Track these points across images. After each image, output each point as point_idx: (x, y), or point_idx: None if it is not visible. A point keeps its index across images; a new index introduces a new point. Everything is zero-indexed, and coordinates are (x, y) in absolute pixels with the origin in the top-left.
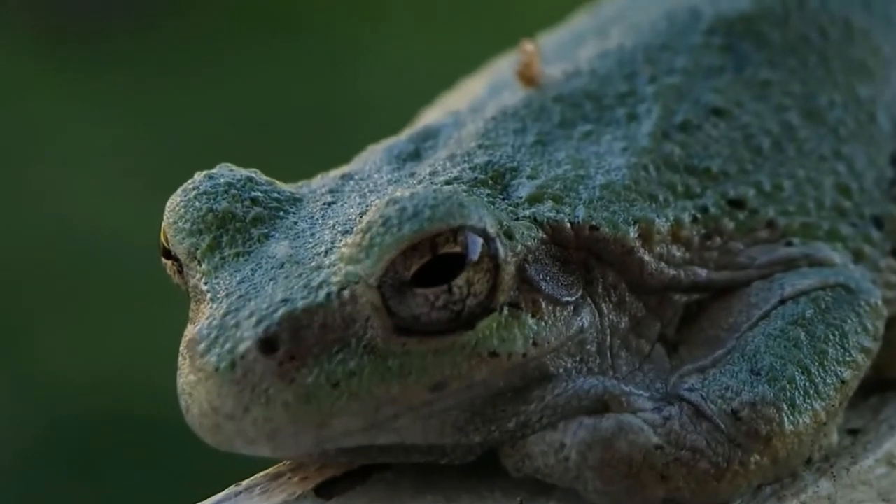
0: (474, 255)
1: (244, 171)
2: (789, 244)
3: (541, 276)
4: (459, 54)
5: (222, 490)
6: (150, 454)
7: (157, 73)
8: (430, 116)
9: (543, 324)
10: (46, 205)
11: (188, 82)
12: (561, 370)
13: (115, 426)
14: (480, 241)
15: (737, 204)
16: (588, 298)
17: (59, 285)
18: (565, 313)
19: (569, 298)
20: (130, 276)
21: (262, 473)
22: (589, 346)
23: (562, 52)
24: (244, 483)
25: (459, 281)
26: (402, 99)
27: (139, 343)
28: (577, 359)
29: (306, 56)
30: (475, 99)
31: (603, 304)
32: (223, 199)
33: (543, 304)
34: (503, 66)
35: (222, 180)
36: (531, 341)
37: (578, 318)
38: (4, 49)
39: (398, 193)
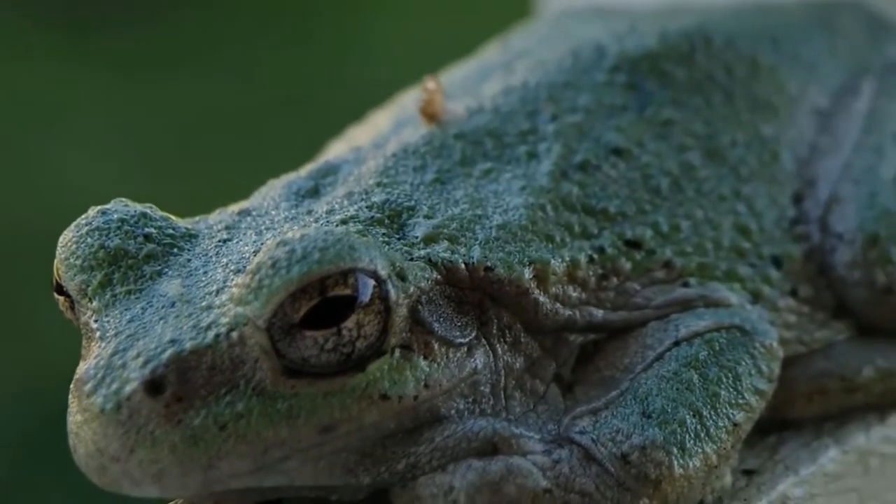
0: (365, 297)
1: (139, 207)
2: (686, 285)
3: (434, 318)
4: (458, 39)
5: None
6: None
7: (154, 63)
8: (335, 150)
9: (436, 365)
10: (44, 190)
11: (185, 71)
12: (453, 412)
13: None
14: (372, 282)
15: (634, 244)
16: (482, 339)
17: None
18: (458, 354)
19: (462, 340)
20: None
21: None
22: (482, 388)
23: (467, 86)
24: None
25: (349, 323)
26: (397, 86)
27: None
28: (470, 400)
29: (303, 44)
30: (378, 134)
31: (497, 345)
32: (116, 235)
33: (436, 346)
34: (408, 101)
35: (115, 216)
36: (423, 383)
37: (472, 360)
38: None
39: (289, 235)
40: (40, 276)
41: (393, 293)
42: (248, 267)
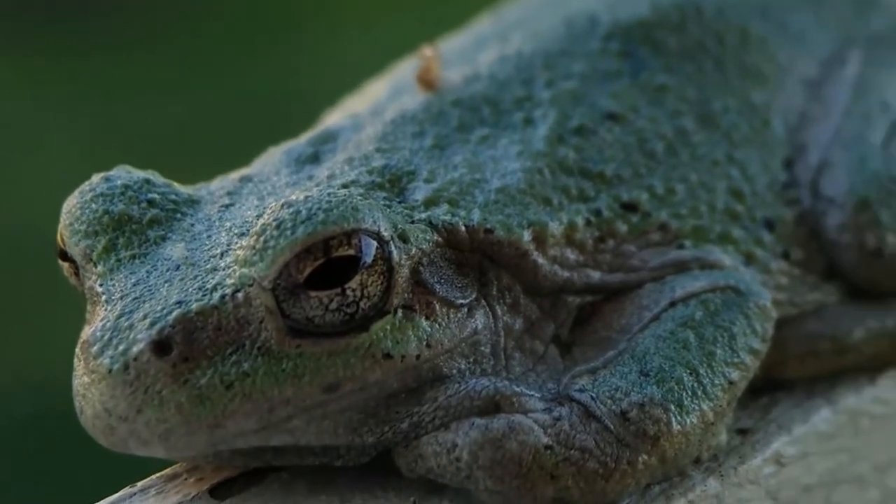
0: (368, 258)
1: (141, 173)
2: (681, 247)
3: (435, 279)
4: (401, 46)
5: (118, 491)
6: (45, 452)
7: (113, 63)
8: (331, 119)
9: (437, 325)
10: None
11: (139, 72)
12: (454, 371)
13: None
14: (374, 244)
15: (630, 207)
16: (482, 301)
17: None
18: (459, 315)
19: (463, 301)
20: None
21: (157, 474)
22: (483, 348)
23: (462, 56)
24: (139, 484)
25: (353, 284)
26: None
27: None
28: (471, 360)
29: (260, 52)
30: (375, 102)
31: (497, 307)
32: (119, 200)
33: (437, 307)
34: (405, 70)
35: (119, 182)
36: (425, 343)
37: (472, 320)
38: None
39: (292, 197)
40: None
41: (396, 254)
42: (252, 229)
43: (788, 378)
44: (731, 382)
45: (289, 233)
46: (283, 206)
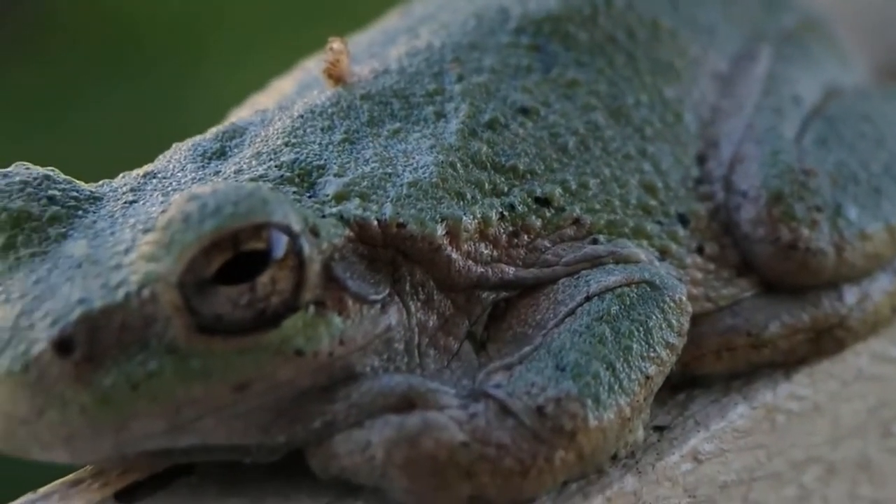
0: (279, 252)
1: (41, 170)
2: (595, 241)
3: (347, 275)
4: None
5: (18, 497)
6: None
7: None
8: (239, 115)
9: (350, 322)
10: None
11: (37, 115)
12: (367, 368)
13: None
14: (285, 238)
15: (543, 202)
16: (396, 297)
17: None
18: (372, 311)
19: (376, 297)
20: None
21: (60, 480)
22: (396, 345)
23: (371, 50)
24: (41, 490)
25: (264, 278)
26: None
27: None
28: (385, 357)
29: (143, 89)
30: (283, 97)
31: (411, 303)
32: (18, 197)
33: (350, 303)
34: (312, 67)
35: (17, 178)
36: (337, 340)
37: (386, 317)
38: None
39: (198, 190)
40: None
41: (307, 248)
42: (157, 224)
43: (705, 374)
44: (647, 377)
45: (196, 226)
46: (189, 198)
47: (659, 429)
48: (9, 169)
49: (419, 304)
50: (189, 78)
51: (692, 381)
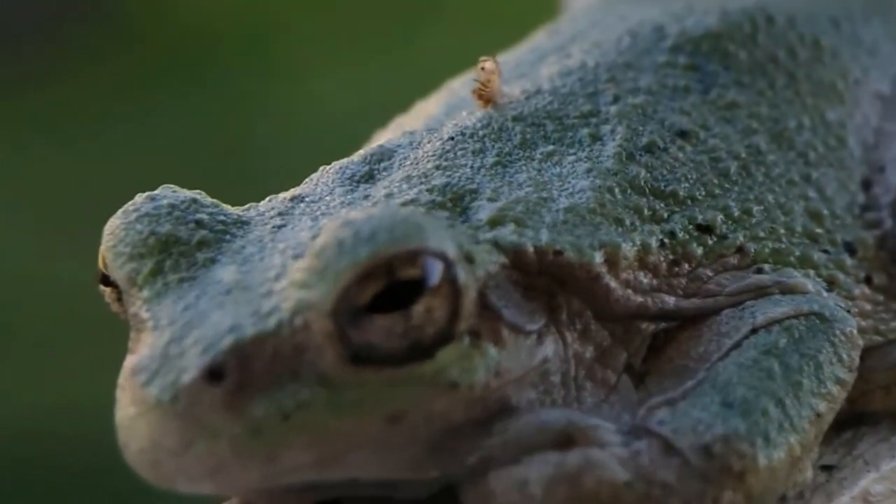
0: (434, 279)
1: (188, 193)
2: (760, 271)
3: (503, 303)
4: (359, 98)
5: None
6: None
7: (67, 123)
8: (384, 137)
9: (506, 353)
10: None
11: (98, 131)
12: (524, 402)
13: (36, 476)
14: (440, 265)
15: (705, 229)
16: (552, 327)
17: None
18: (528, 342)
19: (532, 327)
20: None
21: None
22: (553, 377)
23: (520, 70)
24: None
25: (419, 307)
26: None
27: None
28: (541, 390)
29: (210, 104)
30: (431, 119)
31: (567, 333)
32: (166, 221)
33: (505, 333)
34: (458, 87)
35: (165, 202)
36: (493, 371)
37: (542, 348)
38: None
39: (352, 215)
40: None
41: (462, 276)
42: (309, 250)
43: (873, 410)
44: (818, 414)
45: (350, 253)
46: (343, 224)
47: (827, 468)
48: (156, 192)
49: (576, 334)
50: (258, 93)
51: (859, 419)
